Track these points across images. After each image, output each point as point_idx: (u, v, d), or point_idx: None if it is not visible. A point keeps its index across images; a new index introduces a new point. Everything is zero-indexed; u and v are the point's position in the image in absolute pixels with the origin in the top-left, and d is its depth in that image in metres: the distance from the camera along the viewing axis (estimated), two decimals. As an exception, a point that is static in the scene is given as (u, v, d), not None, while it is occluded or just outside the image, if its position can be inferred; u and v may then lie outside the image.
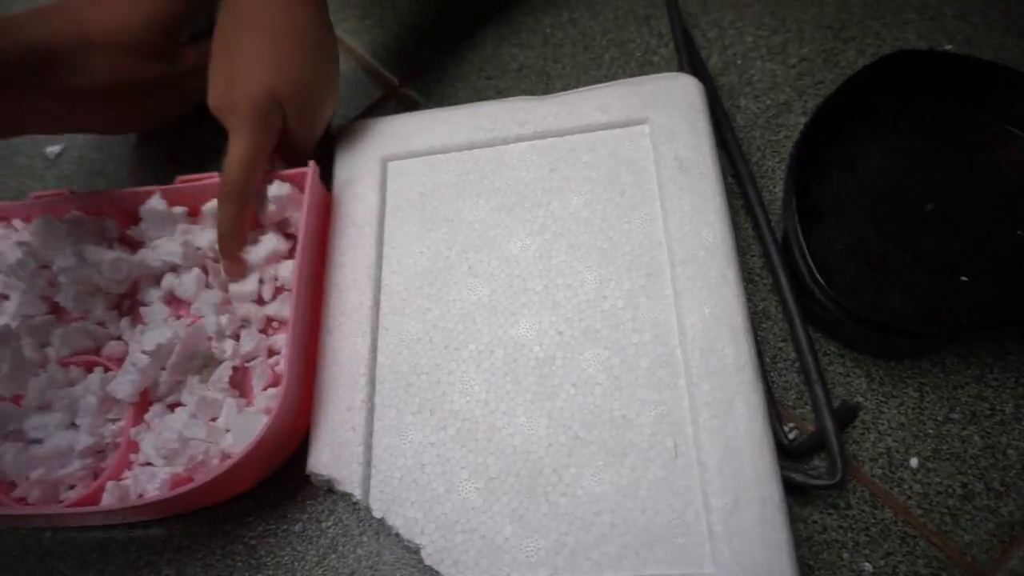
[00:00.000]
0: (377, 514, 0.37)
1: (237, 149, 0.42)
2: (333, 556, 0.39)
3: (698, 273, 0.39)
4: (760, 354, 0.39)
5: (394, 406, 0.40)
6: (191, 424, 0.40)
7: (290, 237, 0.46)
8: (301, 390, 0.40)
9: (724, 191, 0.41)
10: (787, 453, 0.37)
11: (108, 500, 0.39)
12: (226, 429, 0.41)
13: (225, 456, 0.40)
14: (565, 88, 0.51)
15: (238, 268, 0.44)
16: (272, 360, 0.43)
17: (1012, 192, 0.41)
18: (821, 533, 0.37)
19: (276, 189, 0.44)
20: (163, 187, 0.46)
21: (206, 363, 0.43)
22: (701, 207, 0.40)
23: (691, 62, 0.49)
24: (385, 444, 0.39)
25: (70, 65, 0.43)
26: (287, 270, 0.44)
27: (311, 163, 0.44)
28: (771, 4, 0.52)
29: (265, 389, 0.42)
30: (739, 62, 0.50)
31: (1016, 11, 0.49)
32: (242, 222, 0.43)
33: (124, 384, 0.42)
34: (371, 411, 0.40)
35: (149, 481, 0.40)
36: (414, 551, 0.37)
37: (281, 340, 0.44)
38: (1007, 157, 0.42)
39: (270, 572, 0.40)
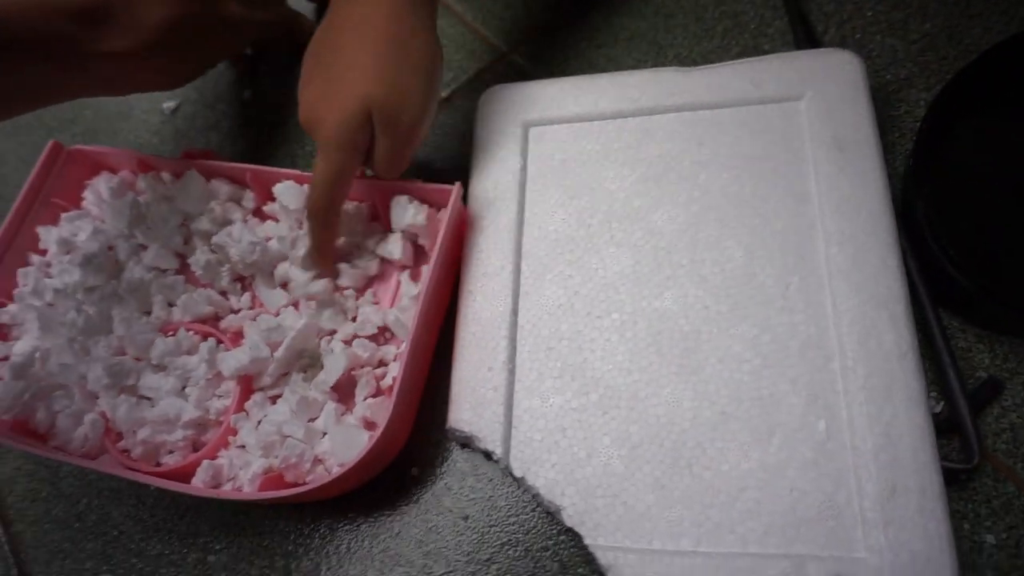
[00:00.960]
0: (517, 473, 0.38)
1: (321, 168, 0.40)
2: (447, 497, 0.41)
3: (856, 256, 0.38)
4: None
5: (535, 369, 0.40)
6: (291, 421, 0.41)
7: (418, 248, 0.46)
8: (407, 410, 0.41)
9: (885, 174, 0.40)
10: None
11: (201, 478, 0.40)
12: (323, 432, 0.41)
13: (317, 461, 0.40)
14: (677, 58, 0.51)
15: (328, 275, 0.45)
16: (379, 371, 0.43)
17: None
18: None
19: (413, 215, 0.43)
20: (300, 173, 0.46)
21: (312, 363, 0.44)
22: (861, 188, 0.39)
23: (808, 36, 0.48)
24: (525, 406, 0.39)
25: (115, 24, 0.42)
26: (410, 288, 0.44)
27: (456, 184, 0.42)
28: (890, -20, 0.50)
29: (366, 399, 0.42)
30: (858, 36, 0.49)
31: None
32: (328, 240, 0.43)
33: (232, 361, 0.42)
34: (512, 372, 0.40)
35: (243, 468, 0.41)
36: (554, 511, 0.37)
37: (391, 352, 0.43)
38: None
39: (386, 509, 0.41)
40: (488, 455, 0.40)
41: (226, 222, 0.49)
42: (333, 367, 0.42)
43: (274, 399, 0.43)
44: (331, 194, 0.41)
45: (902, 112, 0.46)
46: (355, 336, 0.44)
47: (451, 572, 0.39)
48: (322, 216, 0.42)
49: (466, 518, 0.40)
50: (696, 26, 0.52)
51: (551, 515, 0.39)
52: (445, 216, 0.42)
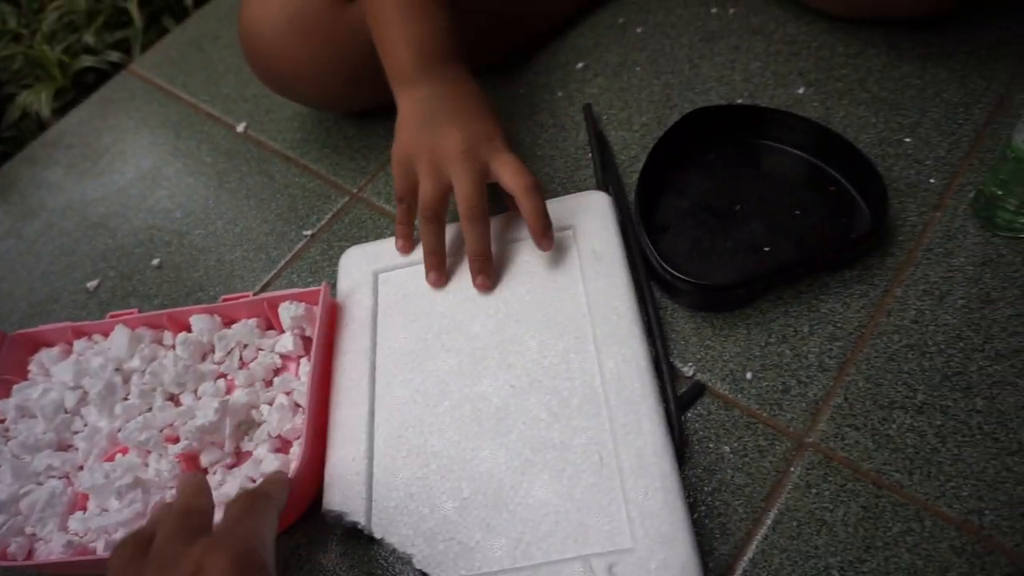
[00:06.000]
0: (377, 535, 0.48)
1: (468, 181, 0.53)
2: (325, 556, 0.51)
3: (612, 332, 0.51)
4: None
5: (388, 454, 0.51)
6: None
7: (306, 339, 0.59)
8: (317, 450, 0.52)
9: (629, 273, 0.54)
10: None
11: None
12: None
13: None
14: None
15: (493, 280, 0.57)
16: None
17: (786, 187, 0.61)
18: (692, 434, 0.51)
19: (293, 309, 0.57)
20: (209, 306, 0.60)
21: (249, 427, 0.55)
22: (613, 285, 0.54)
23: (604, 167, 0.65)
24: (383, 482, 0.50)
25: None
26: (304, 370, 0.57)
27: (324, 284, 0.57)
28: (618, 91, 0.72)
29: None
30: (607, 132, 0.69)
31: (780, 69, 0.70)
32: (489, 239, 0.55)
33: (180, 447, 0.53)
34: (371, 459, 0.51)
35: None
36: (407, 560, 0.47)
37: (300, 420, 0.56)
38: (777, 164, 0.62)
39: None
40: (355, 525, 0.49)
41: (153, 358, 0.60)
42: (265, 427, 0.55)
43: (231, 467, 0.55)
44: (485, 196, 0.53)
45: (634, 180, 0.63)
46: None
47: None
48: (484, 219, 0.54)
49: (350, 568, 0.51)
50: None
51: (409, 563, 0.48)
52: (319, 310, 0.56)
